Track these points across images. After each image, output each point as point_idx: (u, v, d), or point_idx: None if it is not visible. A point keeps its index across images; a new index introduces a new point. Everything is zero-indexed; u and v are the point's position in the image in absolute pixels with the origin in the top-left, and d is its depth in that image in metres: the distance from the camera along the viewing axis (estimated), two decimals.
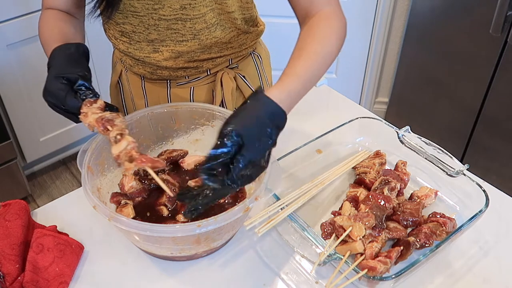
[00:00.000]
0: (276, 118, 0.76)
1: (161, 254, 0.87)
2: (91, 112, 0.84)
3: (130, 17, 1.02)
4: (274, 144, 0.75)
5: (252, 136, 0.72)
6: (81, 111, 0.84)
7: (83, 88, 0.86)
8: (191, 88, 1.15)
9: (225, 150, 0.70)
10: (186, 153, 1.00)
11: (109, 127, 0.82)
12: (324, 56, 0.88)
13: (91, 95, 0.86)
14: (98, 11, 1.01)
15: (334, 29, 0.91)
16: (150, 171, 0.82)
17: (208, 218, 0.76)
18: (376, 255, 0.82)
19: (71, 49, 0.92)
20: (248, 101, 0.76)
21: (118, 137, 0.81)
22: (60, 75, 0.86)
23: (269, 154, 0.75)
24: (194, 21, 1.00)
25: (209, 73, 1.13)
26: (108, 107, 0.87)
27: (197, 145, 1.05)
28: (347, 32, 0.95)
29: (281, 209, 0.87)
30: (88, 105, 0.85)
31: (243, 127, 0.71)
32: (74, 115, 0.87)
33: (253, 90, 0.78)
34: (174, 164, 0.99)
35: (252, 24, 1.13)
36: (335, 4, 0.95)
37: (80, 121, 0.87)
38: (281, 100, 0.78)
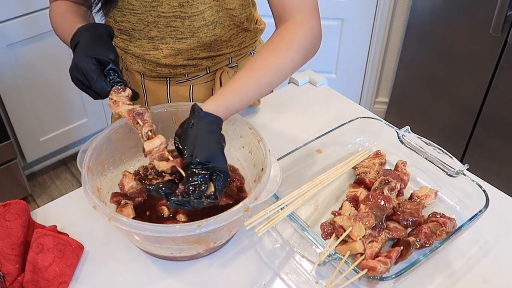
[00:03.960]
0: (220, 128, 0.82)
1: (161, 254, 0.87)
2: (122, 102, 0.86)
3: (128, 15, 1.03)
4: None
5: (218, 158, 0.77)
6: (111, 97, 0.86)
7: (112, 73, 0.87)
8: (190, 86, 1.15)
9: (201, 179, 0.75)
10: None
11: (139, 121, 0.85)
12: (274, 71, 0.88)
13: (120, 83, 0.88)
14: (97, 7, 1.01)
15: (296, 42, 0.90)
16: (182, 172, 0.84)
17: (208, 218, 0.76)
18: (376, 255, 0.82)
19: (101, 29, 0.92)
20: (193, 122, 0.79)
21: (150, 133, 0.84)
22: (92, 55, 0.86)
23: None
24: (192, 19, 1.01)
25: (208, 71, 1.14)
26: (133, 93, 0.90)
27: None
28: (319, 42, 0.95)
29: (281, 209, 0.87)
30: (117, 92, 0.87)
31: (207, 156, 0.76)
32: (96, 93, 0.88)
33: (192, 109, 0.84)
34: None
35: (252, 22, 1.13)
36: (308, 13, 0.93)
37: (100, 99, 0.89)
38: (218, 114, 0.82)
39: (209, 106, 0.82)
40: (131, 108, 0.86)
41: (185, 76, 1.14)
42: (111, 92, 0.87)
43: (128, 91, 0.87)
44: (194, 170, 0.75)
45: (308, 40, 0.92)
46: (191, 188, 0.74)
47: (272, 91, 1.32)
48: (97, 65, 0.86)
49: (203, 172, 0.75)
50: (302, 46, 0.91)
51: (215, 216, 0.76)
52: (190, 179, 0.75)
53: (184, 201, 0.75)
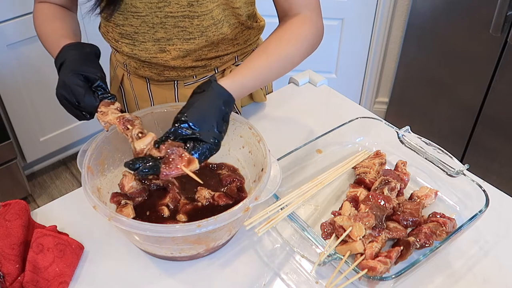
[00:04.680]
0: (228, 106, 0.84)
1: (161, 254, 0.87)
2: (110, 112, 0.86)
3: (131, 18, 1.01)
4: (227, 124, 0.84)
5: (208, 130, 0.80)
6: (99, 110, 0.87)
7: (100, 89, 0.88)
8: None
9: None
10: None
11: (129, 126, 0.85)
12: (284, 58, 0.94)
13: (109, 97, 0.88)
14: (98, 10, 1.00)
15: (303, 34, 0.96)
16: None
17: (208, 218, 0.76)
18: (376, 255, 0.82)
19: (87, 49, 0.93)
20: (204, 90, 0.83)
21: (140, 135, 0.84)
22: (80, 72, 0.87)
23: (223, 133, 0.83)
24: (201, 18, 1.00)
25: (217, 71, 1.13)
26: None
27: None
28: (321, 37, 1.01)
29: (281, 209, 0.87)
30: (106, 105, 0.87)
31: (197, 121, 0.79)
32: (82, 112, 0.88)
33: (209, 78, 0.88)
34: None
35: (254, 20, 1.13)
36: (313, 9, 0.99)
37: (85, 119, 0.89)
38: (232, 90, 0.85)
39: (224, 82, 0.85)
40: (121, 115, 0.86)
41: (193, 77, 1.13)
42: (100, 104, 0.87)
43: (118, 105, 0.88)
44: (176, 127, 0.78)
45: (313, 34, 0.98)
46: (164, 138, 0.78)
47: (272, 91, 1.32)
48: (84, 81, 0.87)
49: (184, 133, 0.78)
50: (308, 39, 0.97)
51: (215, 216, 0.76)
52: (170, 132, 0.79)
53: (150, 166, 0.77)
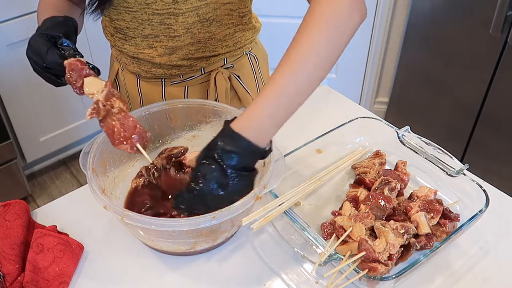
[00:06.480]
0: (245, 156, 0.74)
1: (172, 250, 0.87)
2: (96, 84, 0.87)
3: (123, 13, 1.03)
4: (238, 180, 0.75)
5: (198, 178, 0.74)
6: (67, 72, 0.87)
7: (66, 48, 0.88)
8: (185, 87, 1.15)
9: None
10: (186, 150, 1.00)
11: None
12: (308, 72, 0.75)
13: (74, 54, 0.88)
14: (93, 7, 1.01)
15: (323, 25, 0.74)
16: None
17: (222, 209, 0.77)
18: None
19: (59, 19, 0.94)
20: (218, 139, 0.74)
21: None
22: (44, 32, 0.88)
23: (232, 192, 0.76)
24: (186, 15, 1.01)
25: (203, 72, 1.14)
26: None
27: (195, 141, 1.05)
28: (347, 13, 0.75)
29: (279, 206, 0.87)
30: (75, 67, 0.88)
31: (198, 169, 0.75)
32: (54, 76, 0.89)
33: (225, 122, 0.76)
34: (177, 162, 0.99)
35: (248, 21, 1.13)
36: None
37: (62, 84, 0.90)
38: (253, 131, 0.74)
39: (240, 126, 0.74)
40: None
41: (180, 77, 1.14)
42: (70, 68, 0.86)
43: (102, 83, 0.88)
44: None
45: (336, 18, 0.75)
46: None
47: None
48: (48, 40, 0.87)
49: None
50: (334, 23, 0.75)
51: (229, 207, 0.77)
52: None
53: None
